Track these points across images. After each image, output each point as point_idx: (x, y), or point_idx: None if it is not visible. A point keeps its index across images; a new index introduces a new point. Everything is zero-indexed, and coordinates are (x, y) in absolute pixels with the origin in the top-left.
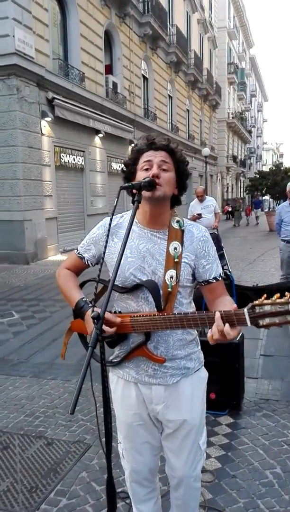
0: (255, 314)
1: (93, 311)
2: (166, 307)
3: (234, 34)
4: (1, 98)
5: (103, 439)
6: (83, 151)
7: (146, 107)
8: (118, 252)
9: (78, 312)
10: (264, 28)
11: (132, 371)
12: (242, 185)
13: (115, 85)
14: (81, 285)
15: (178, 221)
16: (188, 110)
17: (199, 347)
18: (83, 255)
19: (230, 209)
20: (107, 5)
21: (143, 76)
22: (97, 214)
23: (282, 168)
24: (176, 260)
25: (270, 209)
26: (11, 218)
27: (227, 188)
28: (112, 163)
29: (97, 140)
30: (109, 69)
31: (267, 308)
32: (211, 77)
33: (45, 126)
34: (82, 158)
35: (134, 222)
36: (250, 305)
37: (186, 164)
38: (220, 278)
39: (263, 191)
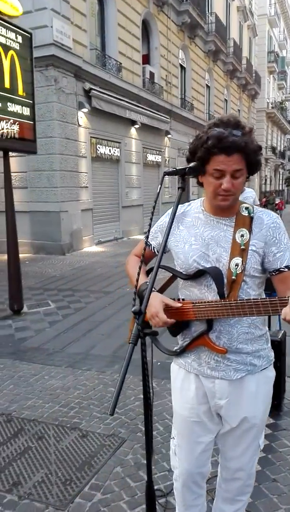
0: None
1: (134, 305)
2: (230, 295)
3: (275, 21)
4: (39, 89)
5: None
6: (119, 142)
7: (183, 97)
8: (182, 239)
9: (140, 295)
10: None
11: (194, 362)
12: (281, 177)
13: (152, 75)
14: (148, 272)
15: (247, 208)
16: (226, 100)
17: (269, 344)
18: (150, 243)
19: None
20: None
21: (181, 66)
22: (132, 206)
23: None
24: (242, 247)
25: None
26: (47, 209)
27: (265, 180)
28: (148, 154)
29: (133, 131)
30: (146, 59)
31: None
32: (250, 66)
33: (82, 117)
34: (118, 149)
35: (201, 210)
36: None
37: (259, 154)
38: None
39: None
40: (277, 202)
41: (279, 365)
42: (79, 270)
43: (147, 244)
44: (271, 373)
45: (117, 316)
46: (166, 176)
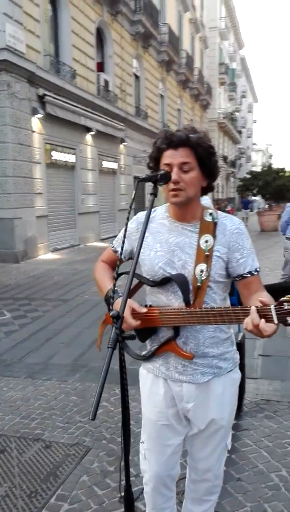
0: (283, 310)
1: (112, 302)
2: (195, 302)
3: (225, 34)
4: None
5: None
6: (74, 149)
7: (137, 105)
8: (148, 245)
9: (107, 300)
10: (254, 29)
11: (162, 366)
12: (232, 186)
13: (106, 83)
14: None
15: (211, 214)
16: (179, 110)
17: (235, 347)
18: (117, 249)
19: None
20: (99, 2)
21: (135, 75)
22: (89, 213)
23: (273, 168)
24: (207, 253)
25: (260, 209)
26: (0, 216)
27: (217, 188)
28: (103, 161)
29: (88, 137)
30: (100, 67)
31: None
32: (202, 77)
33: (36, 123)
34: (73, 156)
35: (165, 216)
36: (278, 301)
37: (212, 154)
38: (256, 273)
39: (255, 191)
40: (228, 209)
41: (240, 367)
42: (35, 278)
43: (114, 250)
44: (237, 374)
45: (77, 324)
46: (139, 182)
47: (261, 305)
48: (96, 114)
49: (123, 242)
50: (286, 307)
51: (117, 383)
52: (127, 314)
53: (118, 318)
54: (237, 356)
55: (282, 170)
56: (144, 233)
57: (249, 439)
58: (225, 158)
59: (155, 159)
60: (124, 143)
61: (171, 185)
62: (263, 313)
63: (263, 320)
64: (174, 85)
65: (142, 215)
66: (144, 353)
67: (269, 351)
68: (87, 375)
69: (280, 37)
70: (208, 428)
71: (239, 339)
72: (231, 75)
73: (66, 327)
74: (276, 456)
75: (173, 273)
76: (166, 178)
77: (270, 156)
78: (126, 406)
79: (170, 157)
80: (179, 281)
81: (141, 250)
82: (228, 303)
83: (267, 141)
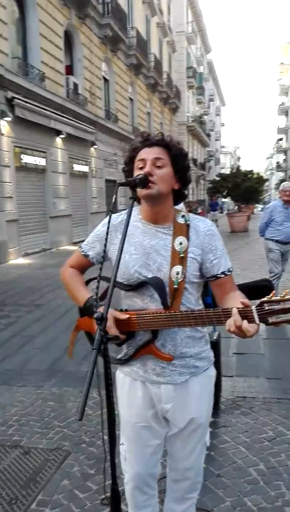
0: (264, 311)
1: (95, 311)
2: (173, 304)
3: (192, 38)
4: None
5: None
6: (45, 152)
7: (107, 108)
8: (123, 249)
9: (87, 310)
10: (221, 34)
11: (140, 369)
12: (202, 188)
13: (76, 86)
14: (86, 283)
15: (183, 216)
16: (149, 113)
17: (209, 345)
18: (88, 253)
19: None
20: (67, 5)
21: (104, 78)
22: (60, 216)
23: (242, 170)
24: (181, 255)
25: (229, 211)
26: None
27: (188, 190)
28: (74, 164)
29: (58, 141)
30: (69, 70)
31: (276, 305)
32: (170, 80)
33: (4, 126)
34: (44, 159)
35: (138, 219)
36: (259, 302)
37: (184, 157)
38: (229, 273)
39: (224, 193)
40: (199, 211)
41: (216, 365)
42: (6, 284)
43: (84, 254)
44: (213, 372)
45: (52, 329)
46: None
47: (242, 306)
48: (66, 117)
49: (105, 245)
50: (266, 308)
51: (94, 386)
52: (111, 324)
53: (102, 320)
54: (212, 354)
55: (250, 172)
56: (124, 237)
57: (227, 435)
58: (195, 161)
59: (130, 158)
60: (95, 146)
61: (140, 174)
62: (245, 314)
63: (245, 321)
64: (143, 88)
65: (113, 217)
66: (120, 356)
67: (243, 349)
68: (64, 380)
69: (246, 42)
70: (188, 427)
71: (214, 338)
72: (198, 79)
73: (41, 332)
74: (254, 451)
75: (149, 276)
76: (144, 182)
77: (238, 159)
78: (112, 406)
79: (145, 153)
80: (156, 284)
81: (115, 254)
82: (201, 302)
83: (235, 144)
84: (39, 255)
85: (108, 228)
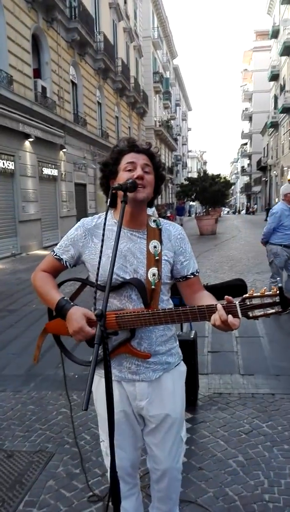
0: (246, 306)
1: (68, 308)
2: (151, 304)
3: (159, 44)
4: None
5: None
6: (13, 156)
7: (76, 112)
8: (98, 252)
9: (59, 311)
10: (186, 40)
11: (115, 369)
12: (170, 192)
13: (44, 89)
14: (58, 286)
15: (155, 221)
16: (117, 117)
17: (177, 342)
18: (61, 257)
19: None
20: (34, 9)
21: (72, 82)
22: (30, 220)
23: (209, 174)
24: (156, 258)
25: (198, 214)
26: None
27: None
28: (44, 168)
29: (27, 144)
30: (37, 73)
31: (256, 300)
32: (138, 85)
33: None
34: (12, 162)
35: (113, 223)
36: (241, 298)
37: (163, 168)
38: (197, 274)
39: (193, 197)
40: (168, 215)
41: (193, 362)
42: None
43: (57, 258)
44: (183, 367)
45: (27, 334)
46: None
47: (225, 302)
48: (34, 121)
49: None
50: (248, 303)
51: (74, 389)
52: (83, 323)
53: (101, 316)
54: (180, 350)
55: (218, 176)
56: (117, 242)
57: (206, 430)
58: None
59: (114, 159)
60: (64, 150)
61: (130, 179)
62: (229, 310)
63: (230, 315)
64: (111, 92)
65: (87, 221)
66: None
67: (217, 348)
68: (42, 384)
69: (211, 49)
70: (163, 424)
71: (191, 336)
72: (165, 84)
73: (16, 337)
74: (232, 444)
75: (127, 278)
76: (134, 186)
77: (205, 163)
78: (111, 401)
79: (134, 157)
80: (137, 285)
81: (91, 257)
82: (171, 302)
83: (202, 148)
84: (9, 260)
85: (103, 237)
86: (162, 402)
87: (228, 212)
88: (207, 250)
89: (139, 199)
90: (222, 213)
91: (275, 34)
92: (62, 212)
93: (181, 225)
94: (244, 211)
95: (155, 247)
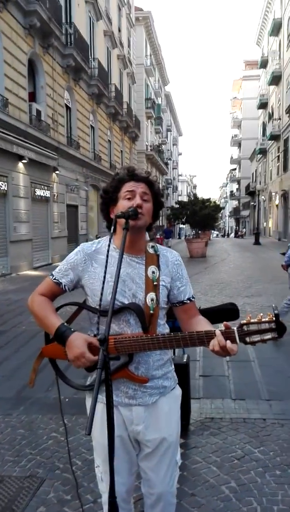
0: (243, 332)
1: (68, 335)
2: (150, 329)
3: (151, 71)
4: None
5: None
6: (6, 177)
7: (69, 135)
8: (98, 276)
9: (59, 337)
10: (178, 68)
11: (112, 394)
12: (161, 214)
13: (38, 112)
14: (56, 310)
15: (153, 247)
16: (109, 141)
17: (173, 366)
18: (60, 281)
19: None
20: (31, 35)
21: (66, 106)
22: (21, 241)
23: (199, 198)
24: (155, 283)
25: (188, 237)
26: None
27: None
28: (36, 189)
29: (20, 166)
30: (32, 97)
31: (254, 326)
32: (130, 110)
33: None
34: (5, 183)
35: (112, 248)
36: (239, 324)
37: (161, 196)
38: (193, 299)
39: (183, 220)
40: (157, 237)
41: (186, 387)
42: None
43: (56, 282)
44: (179, 391)
45: (17, 356)
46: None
47: (223, 328)
48: (28, 143)
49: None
50: (246, 329)
51: (65, 413)
52: (85, 350)
53: (104, 341)
54: (175, 374)
55: (208, 200)
56: (120, 267)
57: (198, 456)
58: None
59: (114, 187)
60: (57, 172)
61: (132, 207)
62: (227, 335)
63: (228, 341)
64: (104, 117)
65: (87, 246)
66: (88, 383)
67: (208, 372)
68: (32, 407)
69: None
70: (159, 448)
71: (184, 360)
72: (157, 110)
73: (5, 359)
74: (225, 469)
75: (125, 302)
76: (136, 214)
77: (195, 187)
78: (112, 425)
79: (133, 186)
80: (136, 310)
81: (91, 282)
82: (167, 326)
83: (191, 172)
84: None
85: (108, 260)
86: (159, 426)
87: (217, 235)
88: (197, 273)
89: (138, 226)
90: (211, 236)
91: (263, 64)
92: (54, 233)
93: (169, 247)
94: (233, 235)
95: (153, 272)
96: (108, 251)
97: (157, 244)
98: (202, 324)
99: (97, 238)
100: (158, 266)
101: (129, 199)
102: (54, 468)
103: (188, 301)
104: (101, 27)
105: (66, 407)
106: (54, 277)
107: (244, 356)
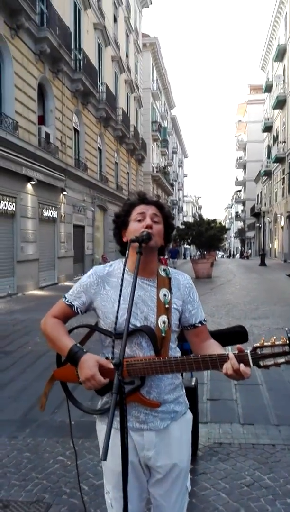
0: (257, 355)
1: (80, 352)
2: (162, 351)
3: (158, 95)
4: None
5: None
6: (15, 197)
7: (77, 157)
8: (110, 299)
9: (72, 358)
10: (184, 92)
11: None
12: None
13: (47, 135)
14: (69, 332)
15: (164, 270)
16: (116, 163)
17: (184, 390)
18: (73, 303)
19: None
20: (41, 60)
21: (75, 129)
22: (28, 261)
23: (205, 219)
24: (166, 306)
25: (194, 257)
26: None
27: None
28: (44, 209)
29: (29, 187)
30: (42, 120)
31: (267, 350)
32: (137, 133)
33: None
34: (14, 204)
35: (125, 271)
36: (252, 347)
37: (172, 219)
38: (205, 323)
39: (189, 241)
40: (161, 257)
41: (194, 411)
42: None
43: (69, 304)
44: (190, 416)
45: (23, 376)
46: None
47: (237, 351)
48: (37, 165)
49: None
50: (259, 352)
51: (74, 436)
52: (95, 371)
53: (119, 365)
54: (186, 398)
55: (214, 221)
56: (134, 291)
57: (207, 482)
58: None
59: (126, 211)
60: (64, 193)
61: (145, 231)
62: (240, 359)
63: (242, 364)
64: (111, 140)
65: (99, 269)
66: (99, 407)
67: (216, 395)
68: (38, 430)
69: (207, 100)
70: (170, 473)
71: (192, 384)
72: (163, 133)
73: (12, 380)
74: (234, 496)
75: (137, 325)
76: (149, 238)
77: (200, 207)
78: (126, 452)
79: (144, 209)
80: (148, 332)
81: (103, 304)
82: (178, 349)
83: (197, 193)
84: (5, 300)
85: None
86: (170, 452)
87: (222, 256)
88: (204, 294)
89: (149, 246)
90: (217, 256)
91: (268, 88)
92: (60, 252)
93: (175, 268)
94: (238, 255)
95: (165, 295)
96: (123, 274)
97: (169, 267)
98: (214, 348)
99: (103, 258)
100: (170, 289)
101: (139, 221)
102: (61, 493)
103: (200, 325)
104: (109, 53)
105: (72, 431)
106: (66, 300)
107: (252, 380)
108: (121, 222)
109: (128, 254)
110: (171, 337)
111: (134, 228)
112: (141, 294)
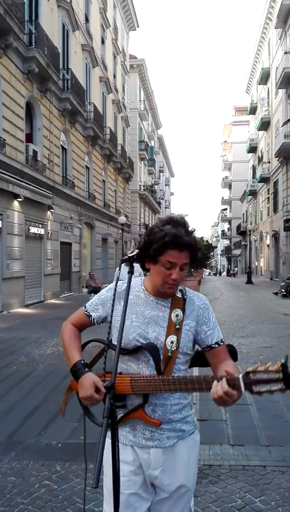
0: (249, 380)
1: (82, 371)
2: (166, 371)
3: (144, 115)
4: None
5: None
6: (1, 214)
7: (64, 175)
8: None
9: (74, 373)
10: (170, 112)
11: (130, 434)
12: None
13: (35, 153)
14: (83, 346)
15: (181, 290)
16: (104, 181)
17: (193, 410)
18: (91, 314)
19: None
20: (29, 79)
21: (62, 147)
22: (13, 278)
23: None
24: (177, 326)
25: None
26: None
27: None
28: (31, 226)
29: (16, 204)
30: (29, 138)
31: (260, 375)
32: (124, 152)
33: None
34: (0, 221)
35: (141, 289)
36: (245, 371)
37: (199, 250)
38: (222, 343)
39: None
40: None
41: None
42: None
43: (87, 314)
44: (197, 436)
45: (7, 397)
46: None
47: (226, 375)
48: (24, 182)
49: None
50: (252, 377)
51: (57, 459)
52: (92, 392)
53: (111, 388)
54: (196, 419)
55: (201, 239)
56: (125, 309)
57: (197, 505)
58: (146, 226)
59: (157, 251)
60: (52, 210)
61: (171, 281)
62: (232, 383)
63: (230, 387)
64: (99, 158)
65: (118, 285)
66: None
67: (205, 416)
68: (24, 453)
69: (193, 121)
70: (176, 493)
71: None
72: (150, 152)
73: None
74: None
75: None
76: (140, 259)
77: None
78: (117, 477)
79: (176, 257)
80: (151, 350)
81: (116, 319)
82: (189, 371)
83: (183, 212)
84: None
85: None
86: (176, 472)
87: (209, 273)
88: None
89: (167, 295)
90: (204, 274)
91: (253, 110)
92: (47, 270)
93: None
94: (225, 273)
95: (177, 315)
96: (127, 293)
97: (186, 288)
98: (222, 369)
99: (90, 275)
100: (183, 310)
101: (168, 268)
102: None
103: (216, 345)
104: (97, 73)
105: (58, 453)
106: (86, 309)
107: (242, 400)
108: (149, 256)
109: (145, 274)
110: (180, 358)
111: (161, 274)
112: (154, 314)
